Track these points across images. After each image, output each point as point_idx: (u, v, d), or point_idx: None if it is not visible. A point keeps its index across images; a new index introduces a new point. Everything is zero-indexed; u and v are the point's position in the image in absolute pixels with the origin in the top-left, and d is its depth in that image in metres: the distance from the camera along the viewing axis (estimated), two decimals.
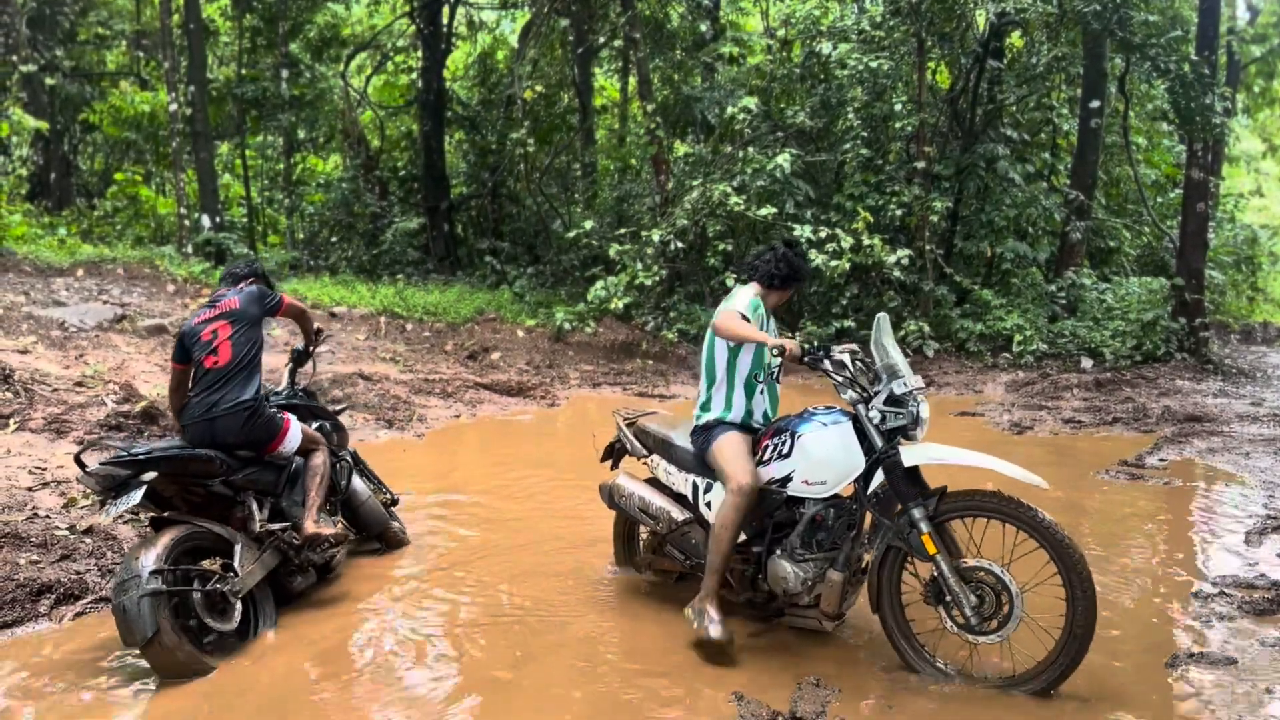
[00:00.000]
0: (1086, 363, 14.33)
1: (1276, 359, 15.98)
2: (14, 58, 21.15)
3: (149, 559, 4.07)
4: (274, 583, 4.82)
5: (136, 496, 4.22)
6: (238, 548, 4.55)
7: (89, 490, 4.31)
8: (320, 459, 5.18)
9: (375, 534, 5.87)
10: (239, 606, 4.41)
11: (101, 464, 4.27)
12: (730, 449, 4.46)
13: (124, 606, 3.96)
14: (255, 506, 4.85)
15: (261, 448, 4.93)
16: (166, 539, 4.24)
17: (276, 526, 4.85)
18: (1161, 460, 8.54)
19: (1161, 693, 4.05)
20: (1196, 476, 7.99)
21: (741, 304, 4.50)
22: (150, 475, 4.30)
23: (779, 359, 4.22)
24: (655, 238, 14.60)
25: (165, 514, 4.56)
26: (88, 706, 3.85)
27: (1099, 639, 4.58)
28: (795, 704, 3.87)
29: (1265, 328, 20.72)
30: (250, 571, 4.54)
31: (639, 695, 4.01)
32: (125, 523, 5.82)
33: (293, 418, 5.17)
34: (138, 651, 4.03)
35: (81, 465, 4.28)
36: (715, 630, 4.27)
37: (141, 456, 4.33)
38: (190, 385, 4.90)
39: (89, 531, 5.55)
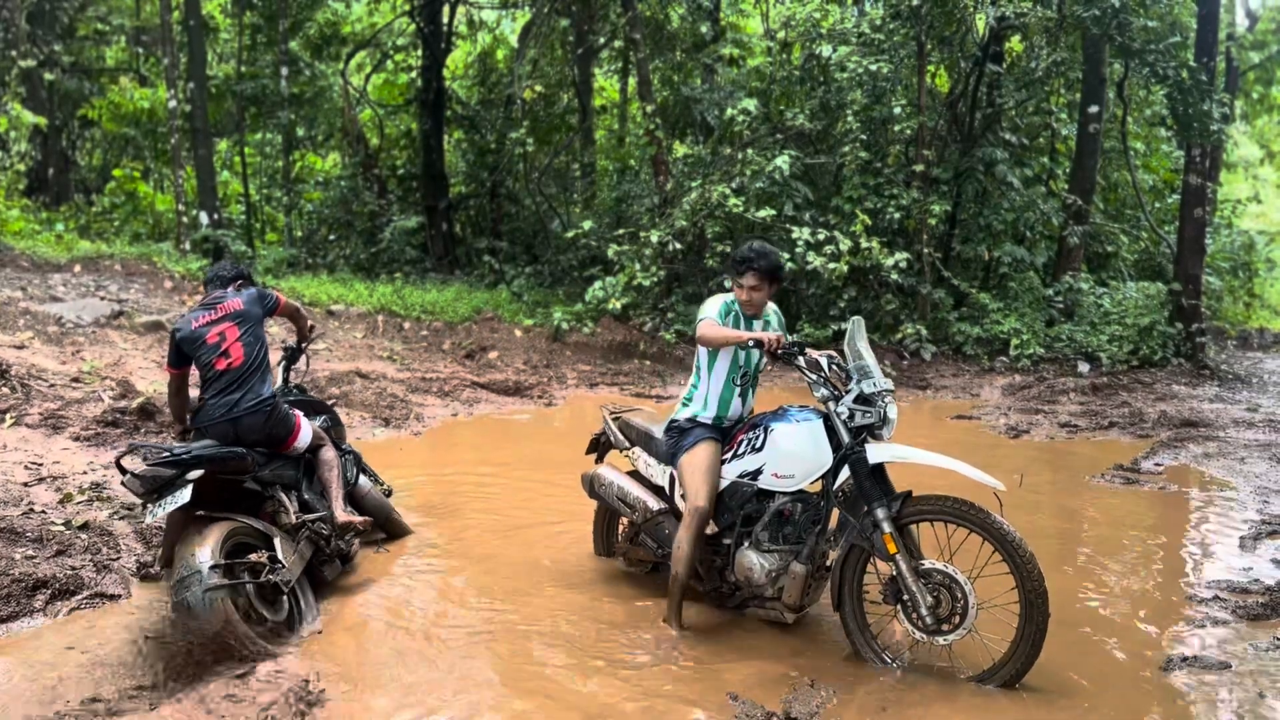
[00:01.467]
0: (1083, 367, 14.35)
1: (1272, 365, 16.01)
2: (13, 53, 21.12)
3: (205, 554, 4.10)
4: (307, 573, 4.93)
5: (185, 495, 4.22)
6: (278, 540, 4.62)
7: (133, 493, 4.31)
8: (331, 452, 5.33)
9: (379, 523, 5.97)
10: (285, 597, 4.46)
11: (149, 465, 4.28)
12: (695, 465, 4.63)
13: (188, 603, 3.99)
14: (286, 499, 4.95)
15: (279, 444, 5.04)
16: (216, 534, 4.28)
17: (311, 517, 4.95)
18: (1157, 465, 8.55)
19: (1156, 696, 4.06)
20: (1192, 481, 8.01)
21: (712, 310, 4.66)
22: (196, 474, 4.32)
23: (757, 351, 4.32)
24: (654, 238, 14.60)
25: (201, 512, 4.58)
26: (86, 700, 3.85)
27: (1095, 642, 4.61)
28: (790, 705, 3.88)
29: (1261, 334, 20.76)
30: (294, 562, 4.64)
31: (634, 693, 4.01)
32: (121, 519, 5.82)
33: (301, 414, 5.27)
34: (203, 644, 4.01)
35: (122, 469, 4.29)
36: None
37: (186, 456, 4.35)
38: (202, 388, 4.96)
39: (85, 527, 5.55)
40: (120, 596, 4.88)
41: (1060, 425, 10.51)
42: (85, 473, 6.66)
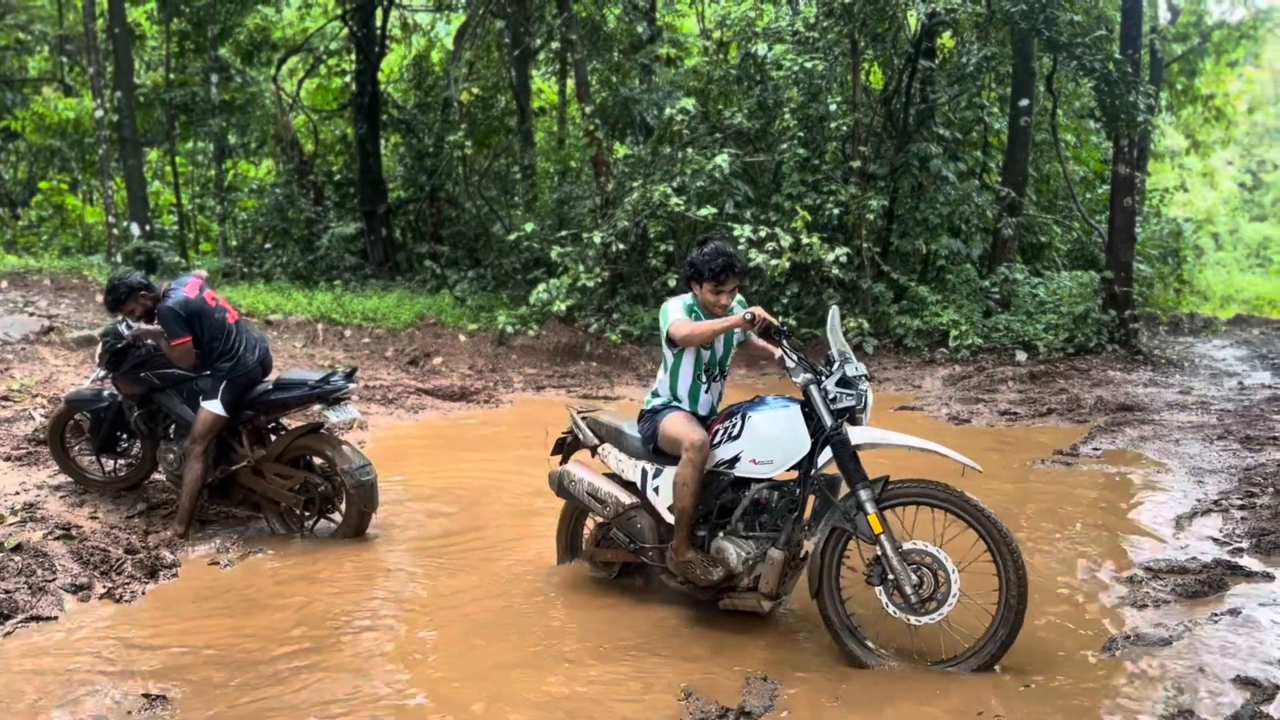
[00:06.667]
0: (1021, 355, 14.60)
1: (1203, 349, 16.44)
2: None
3: (357, 455, 6.04)
4: None
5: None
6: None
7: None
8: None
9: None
10: None
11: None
12: (678, 420, 4.68)
13: (373, 481, 6.00)
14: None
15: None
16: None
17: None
18: (1095, 449, 8.73)
19: (1099, 675, 4.14)
20: (1129, 464, 8.19)
21: (677, 311, 4.71)
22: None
23: (739, 333, 4.58)
24: (597, 239, 14.58)
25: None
26: None
27: (1039, 624, 4.68)
28: (744, 699, 3.89)
29: (1192, 319, 21.29)
30: None
31: (587, 691, 4.00)
32: (55, 539, 5.65)
33: None
34: None
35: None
36: (715, 571, 4.56)
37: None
38: (221, 345, 5.88)
39: (18, 549, 5.38)
40: (56, 618, 4.75)
41: (1000, 413, 10.68)
42: (17, 493, 6.46)
